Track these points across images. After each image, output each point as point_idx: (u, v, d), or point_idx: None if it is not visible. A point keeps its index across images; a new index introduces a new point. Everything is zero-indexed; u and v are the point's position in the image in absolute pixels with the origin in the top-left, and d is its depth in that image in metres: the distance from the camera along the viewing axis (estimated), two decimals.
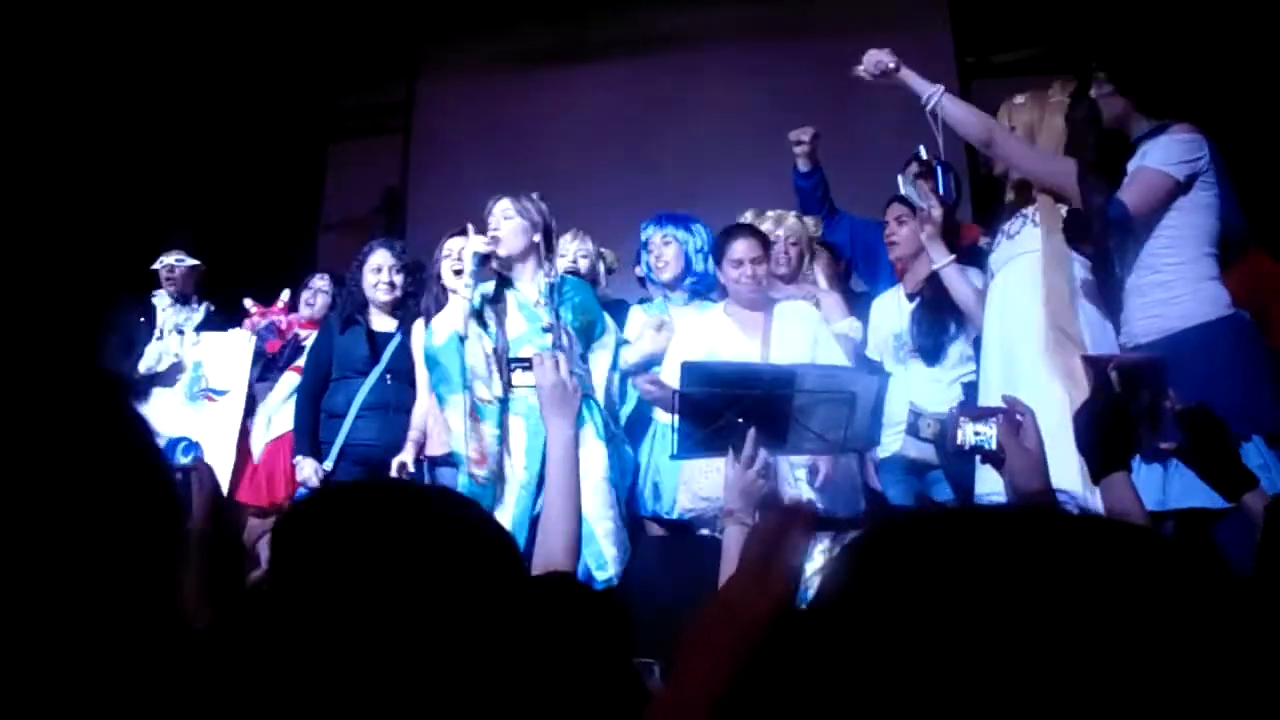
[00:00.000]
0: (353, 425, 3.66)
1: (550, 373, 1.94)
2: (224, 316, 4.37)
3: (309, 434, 3.71)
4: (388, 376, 3.70)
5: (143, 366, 4.06)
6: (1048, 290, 2.66)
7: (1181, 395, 1.76)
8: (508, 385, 3.12)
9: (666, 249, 3.62)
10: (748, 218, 3.59)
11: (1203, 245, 2.55)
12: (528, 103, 5.70)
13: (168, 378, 4.06)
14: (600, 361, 3.29)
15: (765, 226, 3.55)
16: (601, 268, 3.88)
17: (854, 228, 3.88)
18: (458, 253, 3.34)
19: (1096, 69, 2.64)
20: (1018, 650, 0.45)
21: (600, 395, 3.22)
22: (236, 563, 1.41)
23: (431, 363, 3.25)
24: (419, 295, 3.76)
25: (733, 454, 1.80)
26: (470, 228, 3.24)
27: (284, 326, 4.24)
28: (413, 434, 3.55)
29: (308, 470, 3.64)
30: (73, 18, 4.54)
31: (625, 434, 3.34)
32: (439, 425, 3.35)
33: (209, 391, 4.00)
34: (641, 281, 4.08)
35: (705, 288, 3.59)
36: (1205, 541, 2.22)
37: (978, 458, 1.72)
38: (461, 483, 3.06)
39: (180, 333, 4.12)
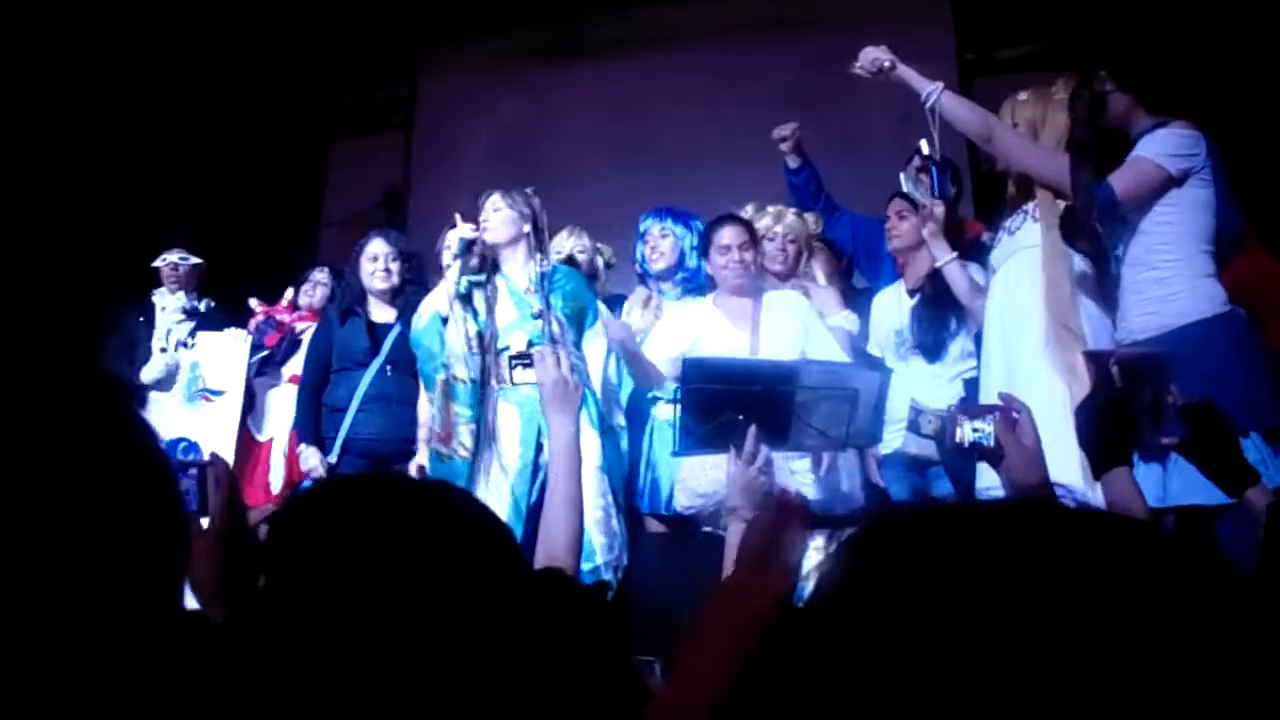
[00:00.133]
0: (354, 419, 3.66)
1: (552, 369, 1.94)
2: (225, 313, 4.37)
3: (311, 424, 3.71)
4: (388, 368, 3.70)
5: (146, 376, 4.07)
6: (1048, 286, 2.66)
7: (1179, 391, 1.76)
8: (487, 370, 3.20)
9: (663, 241, 3.63)
10: (748, 212, 3.58)
11: (1199, 243, 2.55)
12: (529, 100, 5.69)
13: (166, 383, 4.07)
14: (594, 350, 3.30)
15: (765, 222, 3.54)
16: (600, 262, 3.88)
17: (855, 224, 3.88)
18: (480, 227, 3.41)
19: (1099, 67, 2.63)
20: (1017, 645, 0.45)
21: (596, 383, 3.23)
22: (253, 559, 1.39)
23: (415, 344, 3.39)
24: (417, 284, 3.77)
25: (734, 451, 1.80)
26: (458, 217, 3.36)
27: (286, 321, 4.24)
28: (422, 433, 3.54)
29: (313, 460, 3.63)
30: (73, 16, 4.54)
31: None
32: None
33: (206, 392, 4.00)
34: (641, 277, 4.09)
35: (696, 285, 3.60)
36: (1206, 538, 2.22)
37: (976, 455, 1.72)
38: (430, 456, 3.19)
39: (184, 346, 4.11)
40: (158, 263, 4.34)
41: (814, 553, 2.81)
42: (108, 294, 4.37)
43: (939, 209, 3.14)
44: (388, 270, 3.78)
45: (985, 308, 2.90)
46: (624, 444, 3.30)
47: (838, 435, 2.36)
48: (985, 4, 5.23)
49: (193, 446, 3.73)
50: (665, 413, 3.37)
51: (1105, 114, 2.63)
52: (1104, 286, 2.70)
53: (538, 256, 3.31)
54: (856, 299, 3.65)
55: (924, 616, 0.47)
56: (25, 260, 4.24)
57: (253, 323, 4.27)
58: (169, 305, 4.32)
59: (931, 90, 2.80)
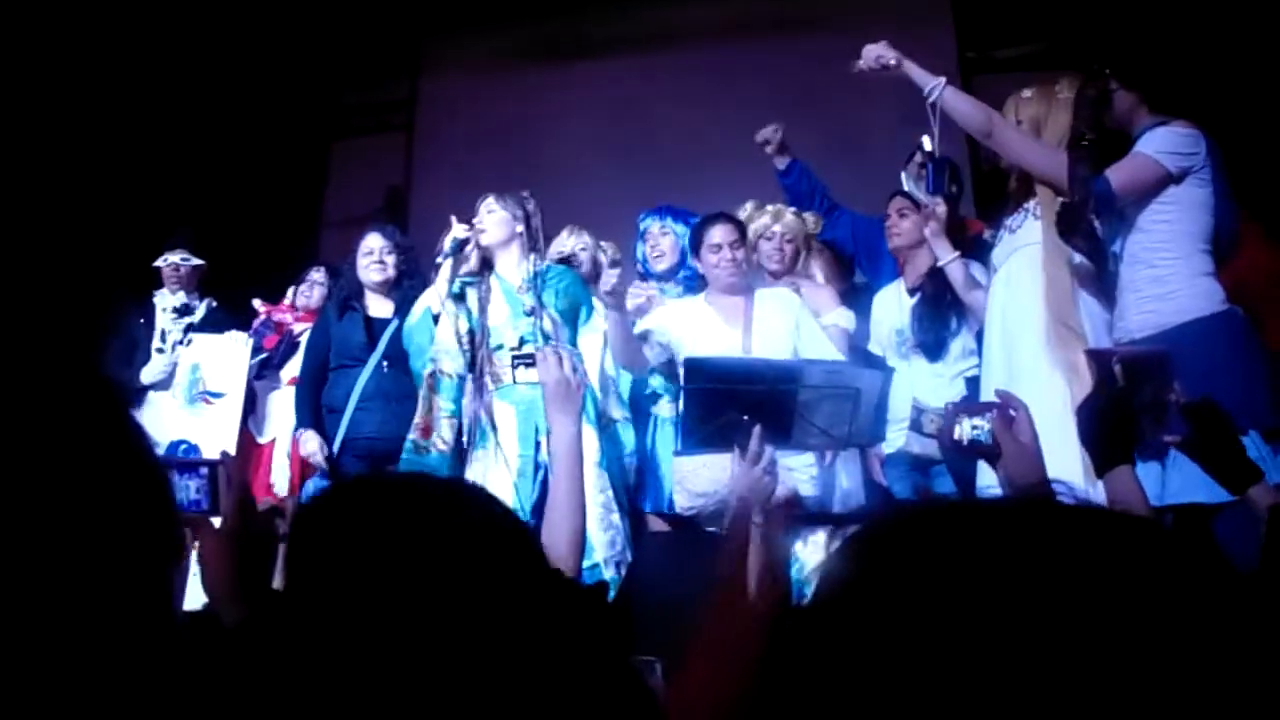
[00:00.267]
0: (353, 418, 3.65)
1: (554, 369, 1.94)
2: (226, 314, 4.37)
3: (311, 410, 3.71)
4: (385, 364, 3.69)
5: (145, 377, 4.07)
6: (1049, 284, 2.66)
7: (1181, 389, 1.77)
8: (478, 366, 3.25)
9: (664, 239, 3.64)
10: (747, 210, 3.58)
11: (1197, 241, 2.55)
12: (530, 99, 5.69)
13: (165, 383, 4.07)
14: (590, 346, 3.32)
15: (763, 220, 3.54)
16: (604, 259, 3.88)
17: (856, 223, 3.87)
18: (475, 228, 3.45)
19: (1103, 65, 2.64)
20: (1021, 641, 0.45)
21: (593, 377, 3.25)
22: (266, 559, 1.39)
23: (406, 340, 3.46)
24: (414, 277, 3.78)
25: (739, 451, 1.80)
26: (454, 219, 3.41)
27: (286, 322, 4.23)
28: None
29: (312, 445, 3.63)
30: (74, 16, 4.54)
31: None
32: None
33: (207, 394, 4.00)
34: (642, 276, 4.09)
35: (699, 283, 3.60)
36: (1206, 536, 2.22)
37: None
38: (406, 448, 3.21)
39: (181, 344, 4.11)
40: (159, 263, 4.34)
41: (817, 550, 2.82)
42: (109, 295, 4.37)
43: (940, 208, 3.14)
44: (382, 263, 3.79)
45: (986, 306, 2.90)
46: (626, 435, 3.31)
47: (840, 434, 2.36)
48: (985, 3, 5.22)
49: (193, 449, 3.74)
50: (666, 410, 3.37)
51: (1109, 112, 2.63)
52: (1104, 284, 2.70)
53: (532, 256, 3.36)
54: (857, 297, 3.65)
55: (929, 613, 0.47)
56: (26, 261, 4.24)
57: (257, 323, 4.27)
58: (169, 306, 4.31)
59: (934, 85, 2.81)
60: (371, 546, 0.82)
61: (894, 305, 3.39)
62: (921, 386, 3.16)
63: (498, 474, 3.09)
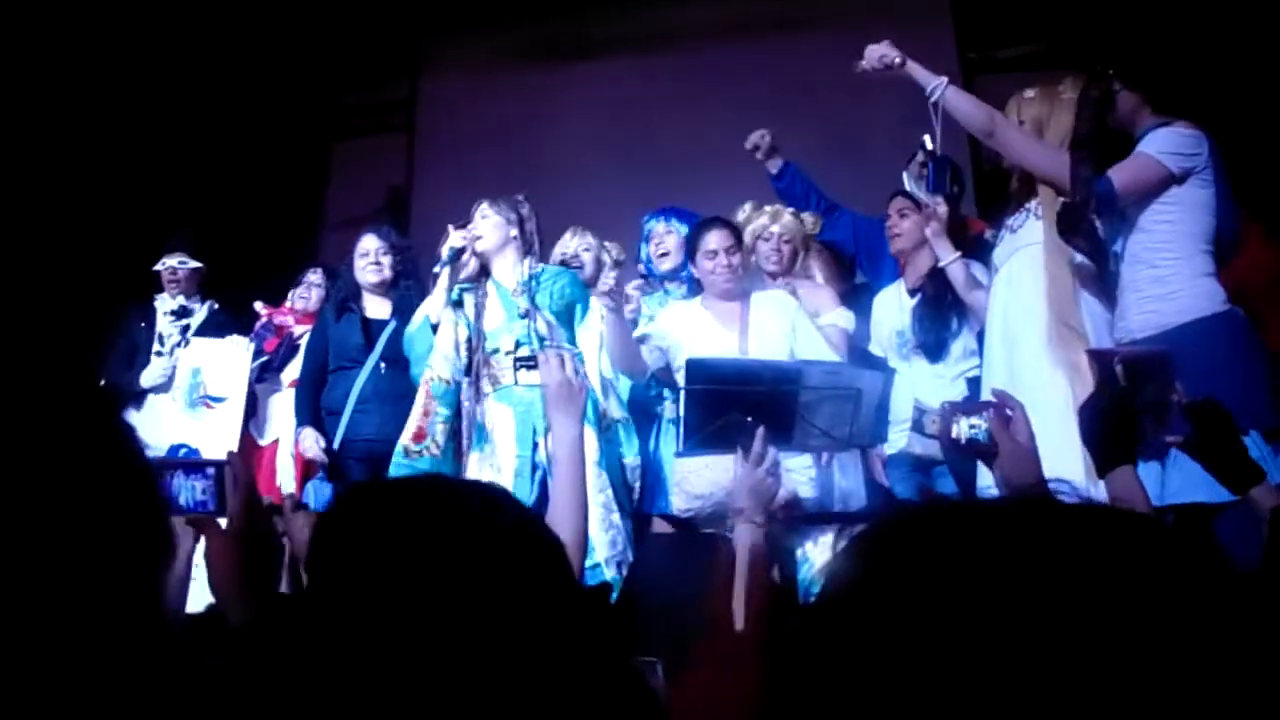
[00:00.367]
0: (351, 419, 3.66)
1: (556, 371, 1.94)
2: (227, 316, 4.37)
3: (310, 409, 3.72)
4: (382, 365, 3.70)
5: (145, 381, 4.07)
6: (1051, 284, 2.66)
7: (1184, 389, 1.77)
8: (475, 372, 3.28)
9: (668, 238, 3.65)
10: (746, 211, 3.58)
11: (1198, 242, 2.55)
12: (530, 99, 5.69)
13: (165, 386, 4.07)
14: (588, 345, 3.33)
15: (761, 221, 3.53)
16: (607, 259, 3.89)
17: (856, 224, 3.87)
18: (471, 236, 3.47)
19: (1105, 67, 2.64)
20: (1028, 640, 0.45)
21: (594, 379, 3.25)
22: (272, 559, 1.39)
23: (407, 349, 3.48)
24: (412, 278, 3.78)
25: (741, 452, 1.80)
26: (450, 227, 3.44)
27: (285, 325, 4.23)
28: None
29: (310, 441, 3.64)
30: (75, 16, 4.54)
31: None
32: None
33: (207, 399, 4.00)
34: (643, 276, 4.09)
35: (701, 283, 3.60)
36: (1207, 536, 2.22)
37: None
38: (397, 454, 3.24)
39: (180, 346, 4.11)
40: (158, 267, 4.34)
41: (825, 550, 2.82)
42: (110, 298, 4.37)
43: (941, 209, 3.13)
44: (378, 264, 3.80)
45: (988, 306, 2.90)
46: (626, 435, 3.31)
47: (841, 435, 2.36)
48: (985, 3, 5.22)
49: (193, 453, 3.73)
50: (671, 412, 3.37)
51: (1111, 112, 2.63)
52: (1105, 284, 2.70)
53: (527, 259, 3.38)
54: (857, 298, 3.65)
55: (934, 612, 0.47)
56: (27, 264, 4.24)
57: (259, 325, 4.26)
58: (168, 309, 4.32)
59: (936, 85, 2.81)
60: (397, 551, 0.82)
61: (894, 306, 3.39)
62: (923, 387, 3.15)
63: (493, 477, 3.10)
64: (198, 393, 4.00)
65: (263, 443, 4.10)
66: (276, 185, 5.59)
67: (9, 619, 0.61)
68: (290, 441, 3.89)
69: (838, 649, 0.50)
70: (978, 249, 3.22)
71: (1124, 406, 1.69)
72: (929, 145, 2.99)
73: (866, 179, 4.13)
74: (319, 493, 3.73)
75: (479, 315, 3.33)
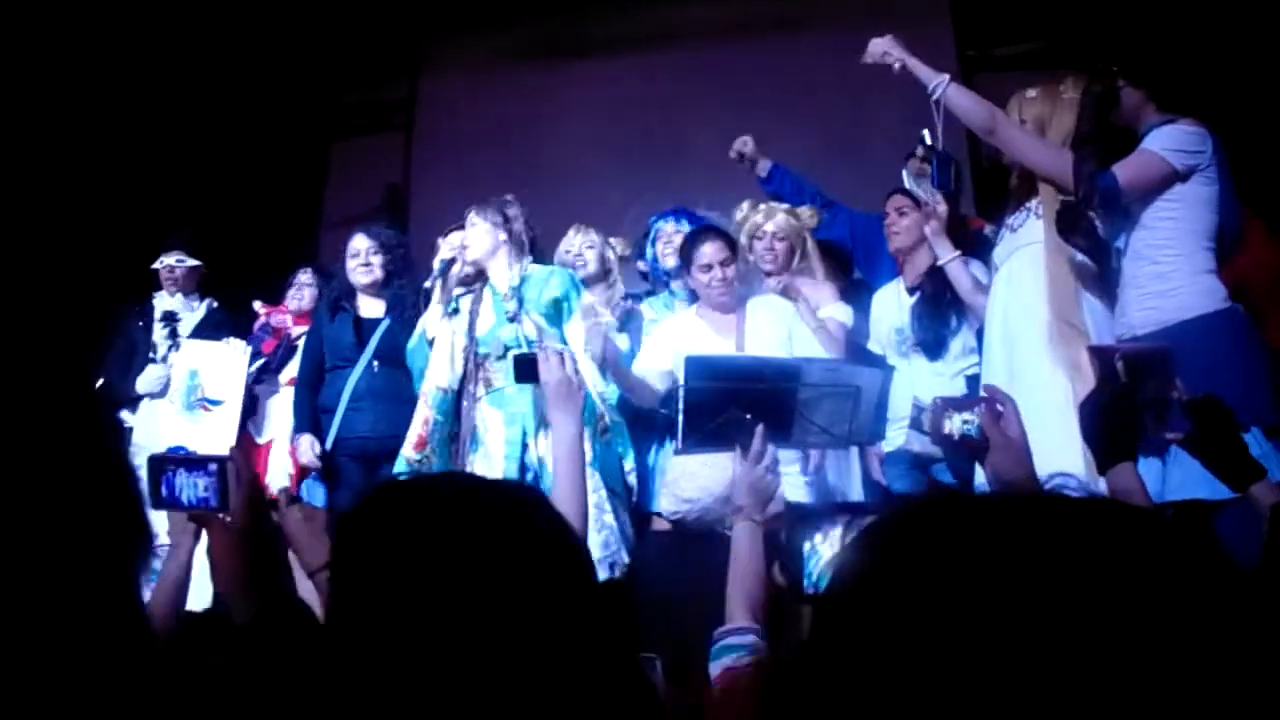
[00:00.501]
0: (344, 418, 3.67)
1: (556, 369, 1.95)
2: (226, 315, 4.37)
3: (308, 415, 3.73)
4: (375, 363, 3.70)
5: (140, 387, 4.07)
6: (1051, 282, 2.66)
7: (1184, 387, 1.77)
8: (466, 378, 3.31)
9: (677, 238, 3.64)
10: (743, 209, 3.58)
11: (1201, 239, 2.55)
12: (530, 99, 5.69)
13: (161, 393, 4.07)
14: (573, 336, 3.32)
15: (755, 220, 3.52)
16: (612, 256, 3.88)
17: (853, 221, 3.86)
18: (460, 246, 3.50)
19: (1111, 62, 2.63)
20: (1032, 634, 0.45)
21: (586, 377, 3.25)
22: (275, 555, 1.38)
23: (411, 360, 3.53)
24: (405, 276, 3.78)
25: (740, 450, 1.79)
26: (440, 240, 3.53)
27: (283, 326, 4.22)
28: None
29: (304, 447, 3.65)
30: (74, 15, 4.54)
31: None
32: None
33: (205, 401, 3.99)
34: (643, 276, 4.09)
35: None
36: (1207, 532, 2.22)
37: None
38: (399, 463, 3.28)
39: (174, 350, 4.10)
40: (156, 265, 4.33)
41: (833, 544, 2.82)
42: (107, 298, 4.36)
43: (941, 207, 3.13)
44: (368, 264, 3.80)
45: (987, 304, 2.90)
46: (620, 436, 3.31)
47: (840, 433, 2.36)
48: (984, 2, 5.22)
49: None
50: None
51: (1116, 109, 2.63)
52: (1106, 282, 2.70)
53: (520, 262, 3.38)
54: (855, 295, 3.64)
55: (941, 604, 0.48)
56: (24, 263, 4.23)
57: (258, 325, 4.26)
58: (169, 308, 4.31)
59: (938, 82, 2.81)
60: (428, 550, 0.82)
61: (894, 304, 3.39)
62: (921, 385, 3.15)
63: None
64: (195, 395, 4.00)
65: (260, 441, 4.10)
66: (275, 184, 5.58)
67: None
68: (285, 440, 3.89)
69: (847, 641, 0.51)
70: (977, 246, 3.21)
71: (1125, 403, 1.68)
72: (928, 141, 2.99)
73: (866, 178, 4.13)
74: (312, 492, 3.74)
75: (472, 321, 3.36)
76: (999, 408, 1.61)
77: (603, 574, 2.98)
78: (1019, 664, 0.45)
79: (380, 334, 3.73)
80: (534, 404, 3.12)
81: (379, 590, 0.82)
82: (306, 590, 1.41)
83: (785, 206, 3.64)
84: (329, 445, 3.68)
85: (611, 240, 3.92)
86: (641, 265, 4.02)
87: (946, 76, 2.84)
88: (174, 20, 4.92)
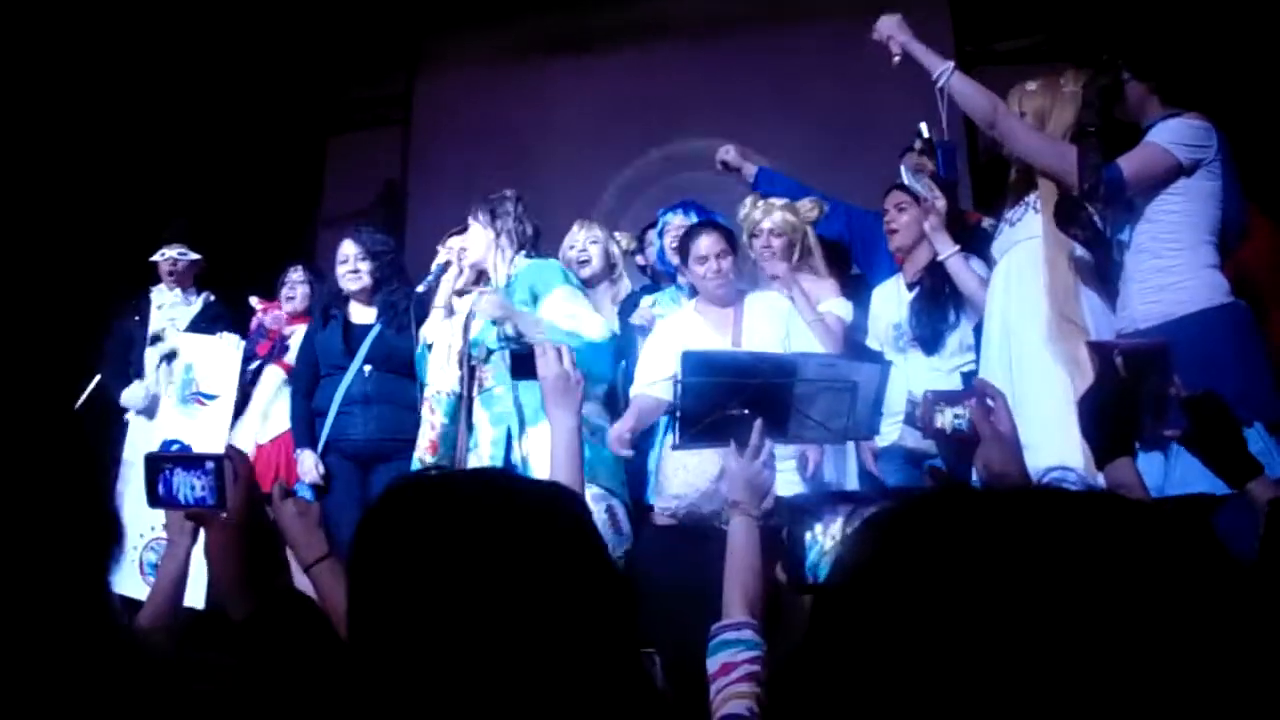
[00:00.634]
0: (335, 421, 3.69)
1: (553, 364, 1.94)
2: (223, 308, 4.36)
3: (306, 427, 3.75)
4: (366, 368, 3.71)
5: (126, 401, 4.06)
6: (1050, 277, 2.66)
7: (1182, 382, 1.76)
8: (463, 380, 3.35)
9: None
10: (746, 206, 3.57)
11: (1204, 233, 2.54)
12: (528, 94, 5.68)
13: (149, 410, 4.07)
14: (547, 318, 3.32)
15: (753, 216, 3.51)
16: (617, 251, 3.87)
17: (851, 218, 3.85)
18: (457, 250, 3.53)
19: (1114, 57, 2.62)
20: (1033, 627, 0.45)
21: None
22: (273, 554, 1.38)
23: (418, 370, 3.57)
24: (395, 279, 3.78)
25: (735, 445, 1.79)
26: (439, 247, 3.55)
27: (277, 327, 4.22)
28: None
29: (308, 463, 3.67)
30: (73, 11, 4.53)
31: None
32: None
33: (200, 396, 4.00)
34: (643, 270, 4.08)
35: None
36: (1206, 527, 2.22)
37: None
38: (414, 465, 3.33)
39: (166, 362, 4.10)
40: (156, 258, 4.32)
41: (833, 534, 2.81)
42: (103, 291, 4.36)
43: (940, 202, 3.12)
44: (356, 271, 3.80)
45: (986, 300, 2.90)
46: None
47: (837, 428, 2.35)
48: None
49: (185, 450, 3.73)
50: None
51: (1120, 102, 2.63)
52: (1105, 277, 2.70)
53: (512, 259, 3.37)
54: (853, 291, 3.63)
55: (944, 596, 0.48)
56: (20, 257, 4.23)
57: (254, 320, 4.26)
58: (165, 302, 4.30)
59: (943, 70, 2.80)
60: (452, 547, 0.82)
61: (893, 300, 3.39)
62: (918, 381, 3.14)
63: None
64: (190, 389, 4.00)
65: (261, 441, 4.10)
66: (273, 179, 5.58)
67: None
68: (280, 433, 3.92)
69: (848, 632, 0.51)
70: (975, 239, 3.21)
71: (1124, 399, 1.68)
72: (926, 133, 2.97)
73: (865, 173, 4.12)
74: (304, 487, 3.75)
75: (467, 323, 3.38)
76: (989, 402, 1.61)
77: None
78: (1020, 655, 0.45)
79: (371, 340, 3.73)
80: (516, 403, 3.14)
81: (404, 586, 0.82)
82: (302, 585, 1.41)
83: (784, 202, 3.61)
84: (320, 447, 3.71)
85: (616, 235, 3.92)
86: (641, 260, 4.01)
87: (951, 64, 2.82)
88: (172, 15, 4.91)
